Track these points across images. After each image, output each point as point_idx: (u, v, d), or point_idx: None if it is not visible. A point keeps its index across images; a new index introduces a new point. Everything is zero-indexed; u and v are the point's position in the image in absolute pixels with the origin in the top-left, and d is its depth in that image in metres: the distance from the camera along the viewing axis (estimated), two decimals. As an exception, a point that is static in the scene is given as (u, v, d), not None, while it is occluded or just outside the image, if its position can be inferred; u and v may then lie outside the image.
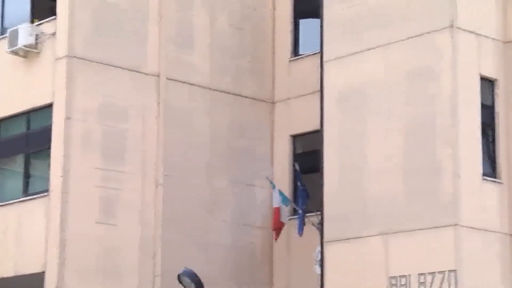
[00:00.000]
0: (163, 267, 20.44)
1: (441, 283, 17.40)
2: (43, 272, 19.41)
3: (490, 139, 18.52)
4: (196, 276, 14.90)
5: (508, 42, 18.91)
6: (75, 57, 20.16)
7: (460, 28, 18.21)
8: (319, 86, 20.05)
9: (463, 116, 17.97)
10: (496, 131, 18.53)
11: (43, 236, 19.64)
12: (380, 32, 19.04)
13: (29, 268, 19.79)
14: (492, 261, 17.87)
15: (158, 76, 21.32)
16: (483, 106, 18.33)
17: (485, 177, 18.10)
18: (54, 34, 20.46)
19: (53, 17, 20.63)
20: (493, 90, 18.64)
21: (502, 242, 18.05)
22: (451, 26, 18.11)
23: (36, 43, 20.69)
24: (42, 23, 20.91)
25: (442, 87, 18.08)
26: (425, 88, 18.30)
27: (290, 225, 21.30)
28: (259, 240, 22.32)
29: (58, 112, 19.99)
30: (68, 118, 19.81)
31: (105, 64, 20.55)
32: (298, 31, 23.39)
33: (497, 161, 18.45)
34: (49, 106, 20.24)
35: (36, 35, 20.69)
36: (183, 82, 21.74)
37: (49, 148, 20.04)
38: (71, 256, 19.40)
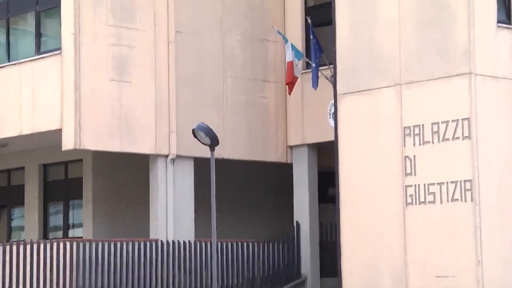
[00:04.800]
0: (178, 123, 20.78)
1: (455, 132, 17.68)
2: (60, 130, 19.74)
3: None
4: (211, 130, 14.98)
5: None
6: None
7: None
8: None
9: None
10: None
11: (59, 94, 19.86)
12: None
13: (46, 125, 20.10)
14: (507, 109, 18.09)
15: None
16: (499, -49, 18.31)
17: (500, 24, 18.10)
18: None
19: None
20: None
21: None
22: None
23: None
24: None
25: None
26: None
27: (304, 79, 21.50)
28: (273, 95, 22.59)
29: None
30: None
31: None
32: None
33: None
34: (57, -39, 20.33)
35: None
36: None
37: (59, 6, 20.00)
38: (87, 114, 19.68)
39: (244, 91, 22.16)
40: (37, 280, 18.88)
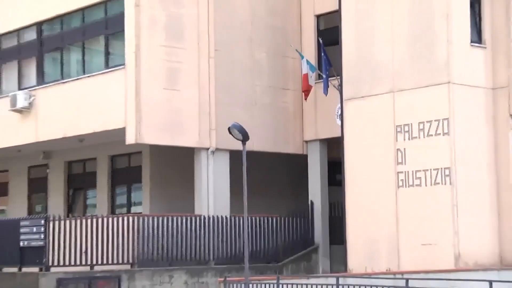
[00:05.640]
0: (216, 123, 20.63)
1: (436, 129, 17.62)
2: (124, 128, 19.79)
3: (477, 12, 18.27)
4: (243, 128, 14.97)
5: None
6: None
7: None
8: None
9: (456, -7, 17.83)
10: (482, 5, 18.25)
11: (123, 100, 19.82)
12: None
13: (113, 125, 20.10)
14: (478, 110, 18.00)
15: (207, -31, 21.04)
16: (472, -15, 18.17)
17: (473, 44, 18.02)
18: None
19: None
20: (480, -29, 18.42)
21: (486, 95, 18.12)
22: None
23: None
24: None
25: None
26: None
27: (316, 87, 21.31)
28: (292, 100, 22.35)
29: (129, 0, 19.80)
30: (137, 6, 19.66)
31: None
32: None
33: (482, 30, 18.25)
34: (122, -5, 20.22)
35: None
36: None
37: (123, 30, 19.98)
38: (145, 116, 19.64)
39: (269, 96, 21.88)
40: (106, 246, 18.91)
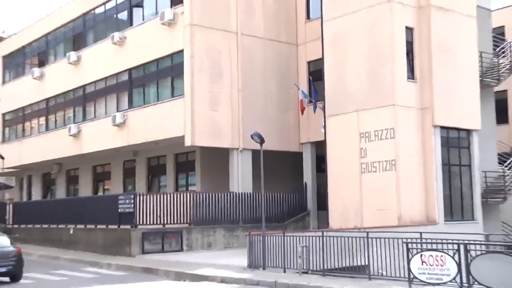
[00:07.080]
0: (243, 131, 20.82)
1: (386, 135, 17.87)
2: (183, 136, 20.11)
3: (411, 59, 18.53)
4: (261, 135, 15.10)
5: (420, 7, 18.48)
6: (194, 25, 20.19)
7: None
8: (321, 35, 20.01)
9: (397, 46, 18.02)
10: (414, 54, 18.50)
11: (182, 117, 20.13)
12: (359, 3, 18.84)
13: (176, 133, 20.36)
14: (412, 122, 18.22)
15: (236, 33, 21.24)
16: (407, 42, 18.30)
17: (408, 79, 18.26)
18: (183, 13, 20.52)
19: (182, 4, 20.59)
20: (412, 33, 18.51)
21: (416, 113, 18.33)
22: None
23: (174, 18, 20.67)
24: (177, 7, 20.80)
25: (385, 33, 18.13)
26: (379, 35, 18.30)
27: (308, 108, 21.64)
28: (292, 116, 22.55)
29: (186, 54, 20.17)
30: (192, 56, 20.03)
31: (208, 27, 20.44)
32: (309, 5, 22.84)
33: (414, 70, 18.48)
34: (181, 50, 20.39)
35: (174, 14, 20.71)
36: (250, 36, 21.53)
37: (182, 73, 20.22)
38: (197, 127, 19.90)
39: (277, 114, 21.99)
40: (173, 212, 18.86)
